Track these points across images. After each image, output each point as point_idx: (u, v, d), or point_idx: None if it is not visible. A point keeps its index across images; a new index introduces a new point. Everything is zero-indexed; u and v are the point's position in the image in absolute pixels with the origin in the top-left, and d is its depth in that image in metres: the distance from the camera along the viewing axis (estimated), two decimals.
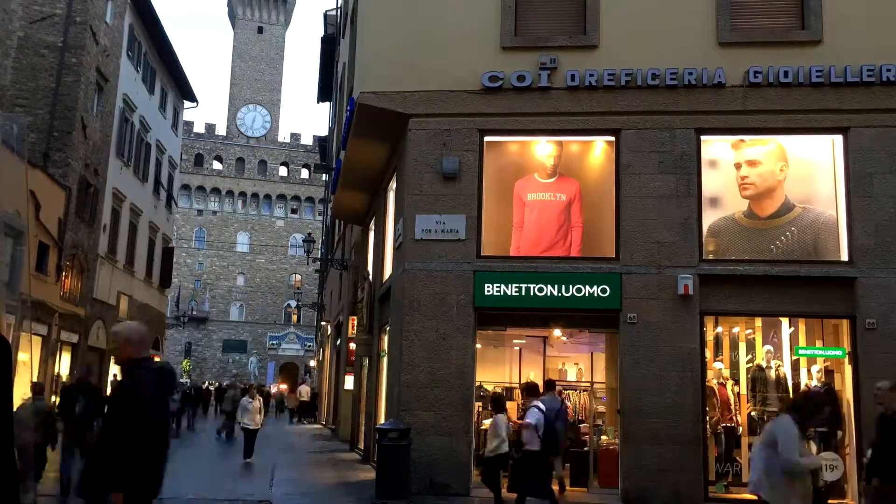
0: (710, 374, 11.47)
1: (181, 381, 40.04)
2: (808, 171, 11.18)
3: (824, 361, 11.52)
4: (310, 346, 61.67)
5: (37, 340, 20.83)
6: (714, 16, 11.26)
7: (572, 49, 11.44)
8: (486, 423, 10.78)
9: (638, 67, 11.15)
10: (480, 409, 12.18)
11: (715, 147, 11.29)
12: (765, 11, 11.52)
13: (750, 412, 11.64)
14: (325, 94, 31.26)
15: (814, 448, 10.52)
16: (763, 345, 12.06)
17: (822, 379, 11.44)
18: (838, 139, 11.02)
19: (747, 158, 11.19)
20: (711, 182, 11.19)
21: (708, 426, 11.04)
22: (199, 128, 72.30)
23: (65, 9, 24.47)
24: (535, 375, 12.82)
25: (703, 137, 11.21)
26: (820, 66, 10.88)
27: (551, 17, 11.80)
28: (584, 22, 11.53)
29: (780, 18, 11.47)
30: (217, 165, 72.80)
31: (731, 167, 11.23)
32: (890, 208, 10.69)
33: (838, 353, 11.10)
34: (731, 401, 11.84)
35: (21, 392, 9.66)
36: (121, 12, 28.33)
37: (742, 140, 11.26)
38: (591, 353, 13.39)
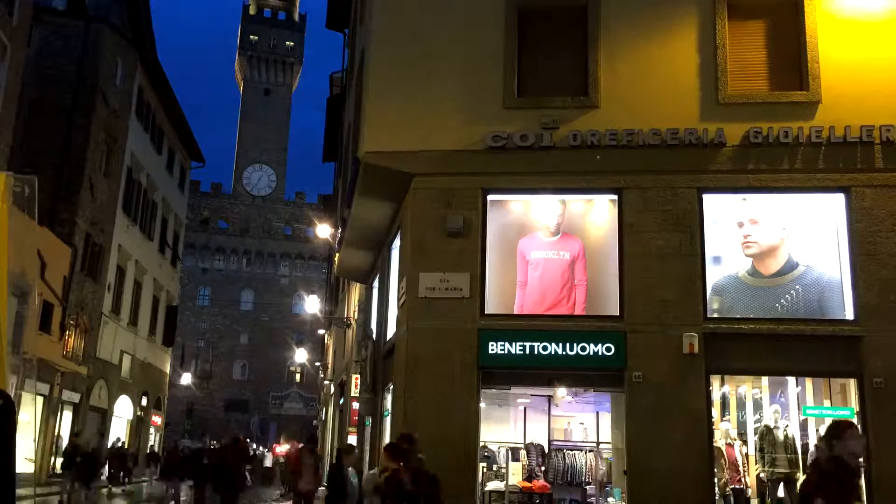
0: (717, 434, 11.33)
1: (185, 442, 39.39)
2: (812, 229, 11.21)
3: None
4: (312, 405, 61.10)
5: (39, 399, 20.70)
6: (713, 77, 11.43)
7: (574, 109, 11.60)
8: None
9: (639, 127, 11.29)
10: (485, 469, 12.01)
11: (717, 205, 11.33)
12: (764, 73, 11.70)
13: (759, 474, 11.46)
14: (330, 153, 31.62)
15: None
16: (770, 404, 11.95)
17: None
18: (840, 198, 11.08)
19: (749, 217, 11.24)
20: (714, 240, 11.22)
21: (717, 488, 10.86)
22: (205, 187, 73.03)
23: (75, 72, 24.98)
24: (539, 435, 12.69)
25: (704, 196, 11.27)
26: (819, 127, 11.00)
27: (553, 78, 11.99)
28: (585, 83, 11.72)
29: (779, 80, 11.63)
30: (223, 224, 73.28)
31: (733, 225, 11.27)
32: (894, 267, 10.68)
33: (846, 412, 10.98)
34: (740, 462, 11.67)
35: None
36: (131, 75, 28.88)
37: (744, 199, 11.33)
38: (597, 413, 13.26)
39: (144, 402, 33.60)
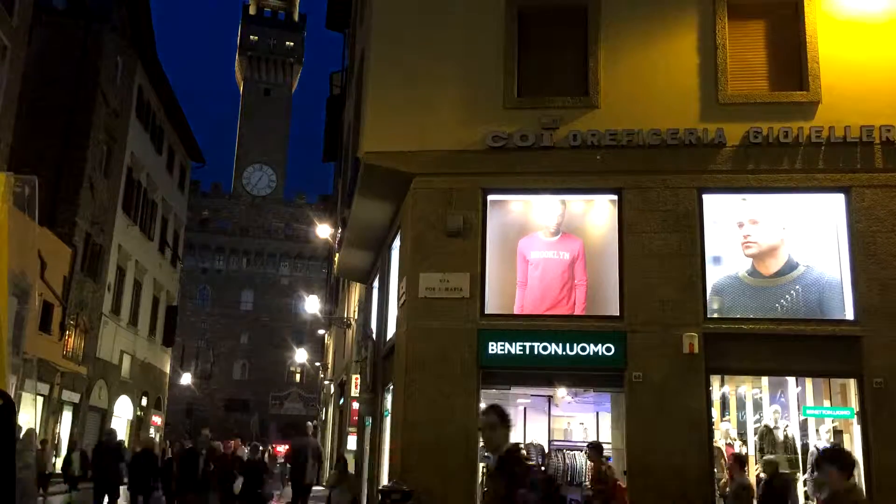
0: (717, 434, 11.33)
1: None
2: (812, 229, 11.20)
3: (833, 422, 11.38)
4: (313, 405, 61.12)
5: (39, 399, 20.71)
6: (713, 77, 11.43)
7: (574, 109, 11.60)
8: None
9: (639, 127, 11.29)
10: (485, 469, 11.99)
11: (717, 205, 11.33)
12: (764, 73, 11.70)
13: (759, 474, 11.45)
14: (330, 153, 31.61)
15: None
16: (770, 404, 11.95)
17: (832, 439, 11.29)
18: (840, 198, 11.07)
19: (749, 217, 11.24)
20: (714, 240, 11.21)
21: (717, 488, 10.86)
22: (205, 187, 72.96)
23: (75, 72, 24.96)
24: (539, 435, 12.68)
25: (704, 196, 11.27)
26: (819, 127, 11.00)
27: (553, 78, 11.99)
28: (585, 83, 11.72)
29: (779, 80, 11.64)
30: (222, 224, 73.23)
31: (733, 225, 11.27)
32: (894, 267, 10.68)
33: (846, 412, 10.98)
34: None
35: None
36: (131, 75, 28.87)
37: (744, 199, 11.32)
38: (597, 413, 13.26)
39: (144, 402, 33.60)
